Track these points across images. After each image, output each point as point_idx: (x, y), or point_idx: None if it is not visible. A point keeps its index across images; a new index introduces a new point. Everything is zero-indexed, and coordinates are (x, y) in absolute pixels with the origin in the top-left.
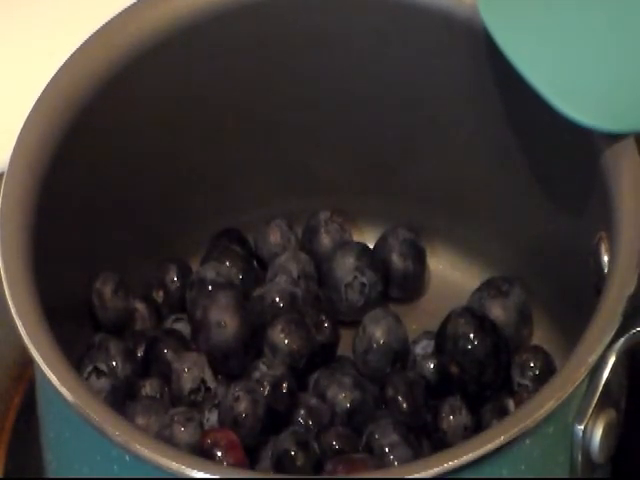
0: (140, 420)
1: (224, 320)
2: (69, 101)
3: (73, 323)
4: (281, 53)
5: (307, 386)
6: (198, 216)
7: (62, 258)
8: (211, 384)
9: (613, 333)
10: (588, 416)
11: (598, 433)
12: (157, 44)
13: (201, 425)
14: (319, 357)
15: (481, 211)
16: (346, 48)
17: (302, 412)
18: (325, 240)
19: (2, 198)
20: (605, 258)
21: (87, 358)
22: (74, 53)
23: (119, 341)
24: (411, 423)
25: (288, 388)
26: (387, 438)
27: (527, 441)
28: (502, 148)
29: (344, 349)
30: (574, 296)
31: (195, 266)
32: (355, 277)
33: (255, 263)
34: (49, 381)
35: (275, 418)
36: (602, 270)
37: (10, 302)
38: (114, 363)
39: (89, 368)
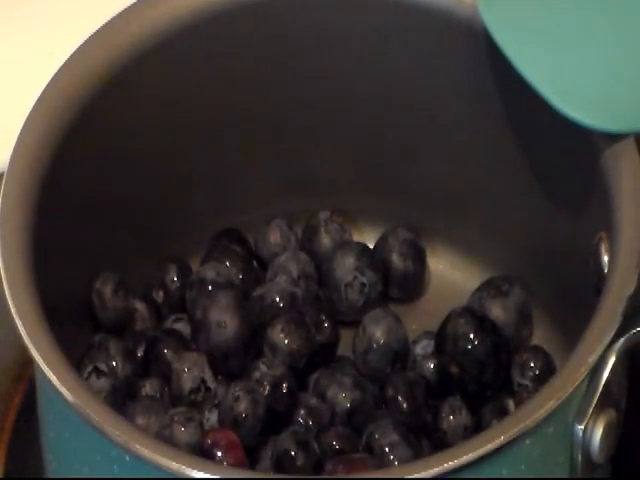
0: (140, 420)
1: (224, 320)
2: (69, 101)
3: (73, 323)
4: (281, 53)
5: (307, 386)
6: (198, 216)
7: (62, 258)
8: (211, 384)
9: (613, 333)
10: (588, 416)
11: (598, 433)
12: (157, 44)
13: (201, 425)
14: (319, 357)
15: (481, 211)
16: (346, 48)
17: (302, 412)
18: (325, 240)
19: (2, 198)
20: (605, 258)
21: (87, 358)
22: (74, 53)
23: (119, 341)
24: (411, 423)
25: (288, 388)
26: (387, 438)
27: (527, 441)
28: (502, 148)
29: (344, 349)
30: (574, 296)
31: (195, 266)
32: (355, 277)
33: (255, 263)
34: (49, 381)
35: (275, 418)
36: (602, 270)
37: (10, 302)
38: (114, 363)
39: (89, 368)
